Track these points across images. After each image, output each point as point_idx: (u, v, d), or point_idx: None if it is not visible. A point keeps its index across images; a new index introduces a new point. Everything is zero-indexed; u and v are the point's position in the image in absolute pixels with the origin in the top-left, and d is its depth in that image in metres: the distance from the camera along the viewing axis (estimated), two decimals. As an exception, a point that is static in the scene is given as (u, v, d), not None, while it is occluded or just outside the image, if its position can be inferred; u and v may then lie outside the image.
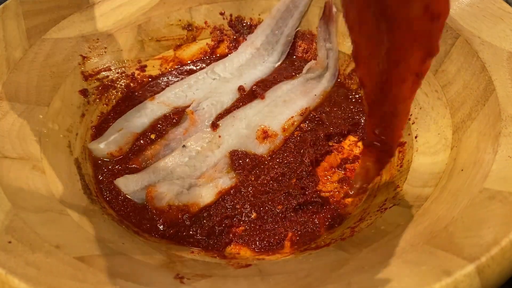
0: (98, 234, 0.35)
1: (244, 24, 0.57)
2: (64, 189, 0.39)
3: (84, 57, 0.50)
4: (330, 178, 0.45)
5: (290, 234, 0.41)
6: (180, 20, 0.55)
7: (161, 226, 0.41)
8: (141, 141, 0.47)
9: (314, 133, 0.47)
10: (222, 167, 0.45)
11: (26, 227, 0.32)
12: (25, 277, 0.27)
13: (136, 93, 0.52)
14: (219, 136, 0.47)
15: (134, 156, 0.46)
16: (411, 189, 0.39)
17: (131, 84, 0.53)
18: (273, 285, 0.31)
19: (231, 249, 0.40)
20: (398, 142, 0.34)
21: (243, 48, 0.56)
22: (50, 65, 0.46)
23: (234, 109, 0.50)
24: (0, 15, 0.45)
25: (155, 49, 0.54)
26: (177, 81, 0.54)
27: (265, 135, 0.47)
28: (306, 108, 0.50)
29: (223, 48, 0.57)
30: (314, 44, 0.55)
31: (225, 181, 0.44)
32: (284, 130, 0.48)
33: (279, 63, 0.56)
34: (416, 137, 0.44)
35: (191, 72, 0.55)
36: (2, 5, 0.45)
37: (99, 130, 0.48)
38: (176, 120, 0.49)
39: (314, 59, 0.55)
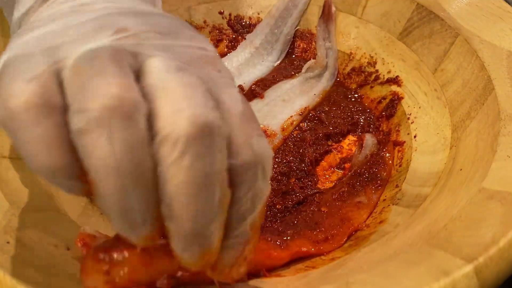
0: (97, 234, 0.35)
1: (243, 23, 0.57)
2: (63, 189, 0.39)
3: (83, 57, 0.50)
4: (329, 177, 0.45)
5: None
6: (179, 19, 0.55)
7: None
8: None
9: (313, 132, 0.47)
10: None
11: (24, 227, 0.32)
12: (23, 277, 0.27)
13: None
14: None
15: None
16: (410, 188, 0.39)
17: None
18: (271, 285, 0.31)
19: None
20: None
21: (242, 47, 0.56)
22: (49, 65, 0.46)
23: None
24: (0, 14, 0.45)
25: (154, 49, 0.54)
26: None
27: (264, 134, 0.47)
28: (305, 107, 0.50)
29: (222, 48, 0.57)
30: (313, 43, 0.55)
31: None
32: (283, 129, 0.48)
33: (278, 62, 0.56)
34: (415, 137, 0.44)
35: (190, 71, 0.55)
36: (0, 5, 0.45)
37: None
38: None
39: (313, 58, 0.55)
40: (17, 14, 0.28)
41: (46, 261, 0.30)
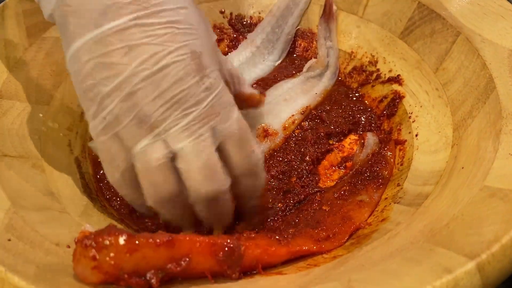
0: (98, 232, 0.34)
1: (244, 23, 0.57)
2: (64, 188, 0.39)
3: (84, 56, 0.50)
4: (330, 176, 0.45)
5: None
6: (180, 19, 0.55)
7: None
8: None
9: (314, 131, 0.47)
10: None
11: (25, 225, 0.32)
12: (24, 275, 0.27)
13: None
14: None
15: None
16: (411, 187, 0.39)
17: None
18: (273, 283, 0.31)
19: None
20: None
21: (243, 46, 0.56)
22: (50, 64, 0.46)
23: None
24: (0, 14, 0.45)
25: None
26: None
27: (265, 133, 0.47)
28: (306, 106, 0.50)
29: (223, 47, 0.57)
30: (315, 42, 0.55)
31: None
32: (284, 128, 0.48)
33: (279, 61, 0.56)
34: (416, 136, 0.44)
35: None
36: (2, 4, 0.45)
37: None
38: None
39: (314, 58, 0.55)
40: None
41: (48, 259, 0.30)
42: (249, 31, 0.56)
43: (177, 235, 0.29)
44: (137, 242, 0.28)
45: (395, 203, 0.39)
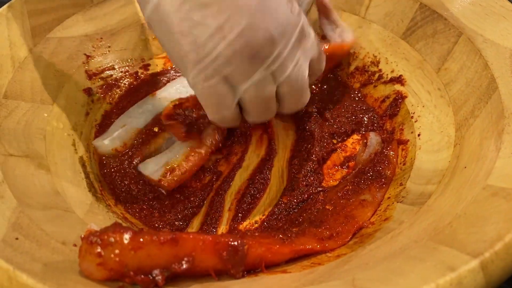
0: (104, 231, 0.35)
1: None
2: (69, 187, 0.40)
3: (88, 56, 0.50)
4: (333, 175, 0.45)
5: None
6: (183, 19, 0.55)
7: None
8: (144, 136, 0.48)
9: (319, 130, 0.47)
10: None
11: (32, 224, 0.32)
12: (32, 273, 0.27)
13: (138, 90, 0.52)
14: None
15: (138, 150, 0.46)
16: (414, 186, 0.39)
17: (135, 83, 0.53)
18: (277, 281, 0.31)
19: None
20: None
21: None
22: (55, 64, 0.47)
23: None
24: (5, 15, 0.45)
25: (158, 48, 0.55)
26: (178, 76, 0.54)
27: None
28: None
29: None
30: (317, 43, 0.55)
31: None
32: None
33: (281, 62, 0.56)
34: (419, 135, 0.44)
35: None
36: (6, 5, 0.45)
37: (103, 128, 0.48)
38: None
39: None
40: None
41: (54, 258, 0.31)
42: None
43: (181, 233, 0.30)
44: (141, 239, 0.28)
45: (398, 202, 0.39)
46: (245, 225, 0.42)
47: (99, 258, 0.28)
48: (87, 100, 0.49)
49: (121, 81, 0.52)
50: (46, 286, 0.27)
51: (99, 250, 0.28)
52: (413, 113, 0.46)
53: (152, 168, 0.44)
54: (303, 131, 0.47)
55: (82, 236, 0.29)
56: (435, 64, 0.45)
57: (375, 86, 0.51)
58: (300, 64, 0.36)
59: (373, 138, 0.45)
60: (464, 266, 0.26)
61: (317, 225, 0.38)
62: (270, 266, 0.33)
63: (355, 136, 0.48)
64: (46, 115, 0.43)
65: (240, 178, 0.45)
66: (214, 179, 0.45)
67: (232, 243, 0.31)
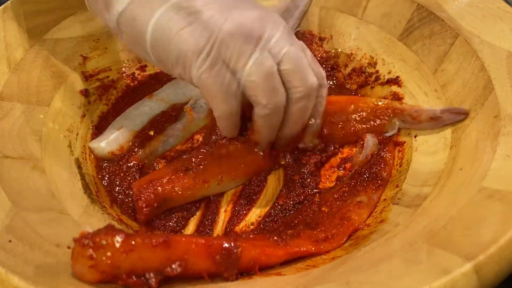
0: (98, 233, 0.35)
1: (244, 24, 0.57)
2: (65, 189, 0.40)
3: (84, 58, 0.50)
4: (329, 177, 0.45)
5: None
6: (180, 20, 0.55)
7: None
8: (140, 139, 0.48)
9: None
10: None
11: (26, 226, 0.32)
12: (24, 276, 0.27)
13: (135, 91, 0.52)
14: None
15: (134, 153, 0.46)
16: (410, 188, 0.39)
17: (131, 84, 0.53)
18: (272, 283, 0.31)
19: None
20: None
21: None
22: (51, 65, 0.47)
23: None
24: (1, 16, 0.45)
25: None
26: (175, 78, 0.54)
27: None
28: None
29: (223, 48, 0.57)
30: (314, 44, 0.55)
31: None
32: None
33: (279, 63, 0.56)
34: (415, 137, 0.44)
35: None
36: (2, 6, 0.45)
37: (99, 130, 0.48)
38: (174, 115, 0.50)
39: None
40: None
41: (47, 260, 0.30)
42: (249, 33, 0.57)
43: (173, 236, 0.30)
44: (133, 242, 0.28)
45: (394, 204, 0.39)
46: (241, 227, 0.42)
47: (91, 261, 0.28)
48: (83, 101, 0.49)
49: (118, 82, 0.52)
50: (38, 289, 0.27)
51: (91, 252, 0.28)
52: (410, 114, 0.46)
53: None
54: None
55: (75, 238, 0.29)
56: (432, 65, 0.45)
57: (372, 88, 0.51)
58: (296, 43, 0.37)
59: (370, 140, 0.45)
60: (458, 269, 0.26)
61: (313, 227, 0.38)
62: (265, 268, 0.33)
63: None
64: (42, 116, 0.43)
65: (236, 180, 0.45)
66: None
67: (225, 246, 0.31)
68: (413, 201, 0.37)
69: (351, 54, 0.53)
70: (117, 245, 0.28)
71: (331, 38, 0.54)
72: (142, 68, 0.54)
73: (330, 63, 0.54)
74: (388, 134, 0.46)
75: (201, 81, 0.36)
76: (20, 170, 0.38)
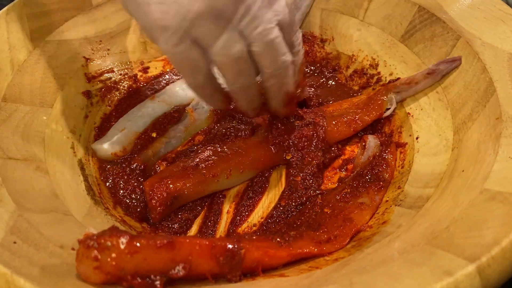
0: (102, 235, 0.35)
1: (246, 26, 0.57)
2: (68, 190, 0.40)
3: (87, 59, 0.50)
4: (331, 178, 0.45)
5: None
6: (182, 22, 0.55)
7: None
8: (142, 140, 0.48)
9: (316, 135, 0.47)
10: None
11: (30, 228, 0.33)
12: (29, 277, 0.28)
13: (138, 93, 0.52)
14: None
15: (136, 155, 0.46)
16: (412, 189, 0.39)
17: (134, 86, 0.53)
18: (275, 285, 0.31)
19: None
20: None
21: (244, 49, 0.56)
22: (54, 67, 0.47)
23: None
24: (4, 17, 0.45)
25: (157, 51, 0.55)
26: (177, 79, 0.54)
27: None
28: None
29: (225, 50, 0.57)
30: (316, 46, 0.56)
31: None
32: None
33: (280, 64, 0.56)
34: (417, 138, 0.44)
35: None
36: (6, 8, 0.45)
37: (102, 131, 0.48)
38: (176, 117, 0.50)
39: (314, 60, 0.55)
40: None
41: (52, 261, 0.31)
42: (251, 34, 0.57)
43: (177, 237, 0.30)
44: (137, 244, 0.28)
45: (396, 205, 0.39)
46: (243, 228, 0.42)
47: (96, 262, 0.28)
48: (86, 102, 0.49)
49: (120, 83, 0.52)
50: (43, 290, 0.27)
51: (96, 254, 0.28)
52: (412, 116, 0.46)
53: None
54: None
55: (79, 239, 0.29)
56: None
57: (373, 89, 0.51)
58: (271, 24, 0.35)
59: (372, 141, 0.45)
60: (460, 271, 0.26)
61: (315, 228, 0.38)
62: (268, 269, 0.33)
63: (354, 139, 0.48)
64: (45, 118, 0.43)
65: (238, 181, 0.45)
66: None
67: (229, 247, 0.31)
68: (415, 202, 0.37)
69: (353, 55, 0.53)
70: (122, 246, 0.28)
71: (333, 39, 0.54)
72: (145, 70, 0.54)
73: (332, 65, 0.54)
74: (388, 112, 0.47)
75: (167, 54, 0.35)
76: (23, 171, 0.38)
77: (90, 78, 0.50)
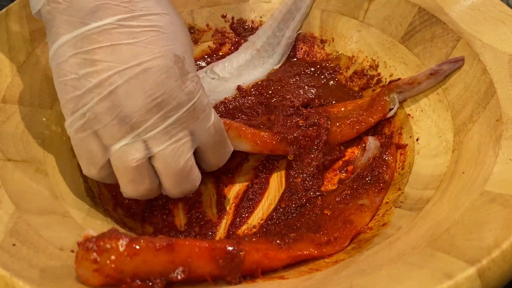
0: (101, 237, 0.35)
1: (246, 27, 0.57)
2: (67, 192, 0.40)
3: (87, 60, 0.50)
4: (331, 180, 0.45)
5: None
6: (182, 23, 0.55)
7: None
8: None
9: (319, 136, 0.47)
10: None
11: (30, 230, 0.32)
12: (29, 279, 0.28)
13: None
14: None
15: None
16: (412, 191, 0.39)
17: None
18: (275, 287, 0.31)
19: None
20: None
21: (243, 48, 0.56)
22: (53, 68, 0.47)
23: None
24: (4, 19, 0.45)
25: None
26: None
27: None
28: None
29: (225, 51, 0.57)
30: (316, 47, 0.56)
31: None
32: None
33: (279, 65, 0.56)
34: (417, 140, 0.44)
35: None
36: (5, 9, 0.45)
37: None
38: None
39: (313, 60, 0.55)
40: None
41: (51, 264, 0.31)
42: (251, 35, 0.57)
43: (177, 240, 0.30)
44: (137, 246, 0.28)
45: (396, 207, 0.39)
46: (243, 229, 0.42)
47: (95, 264, 0.28)
48: (85, 104, 0.49)
49: (120, 84, 0.52)
50: (42, 293, 0.27)
51: (95, 256, 0.28)
52: (412, 117, 0.46)
53: None
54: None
55: (79, 242, 0.29)
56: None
57: (373, 90, 0.51)
58: (182, 143, 0.34)
59: (372, 143, 0.45)
60: (461, 274, 0.26)
61: (315, 230, 0.38)
62: (268, 271, 0.33)
63: (354, 140, 0.48)
64: (44, 119, 0.43)
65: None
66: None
67: (229, 249, 0.31)
68: (415, 204, 0.37)
69: (353, 56, 0.53)
70: (121, 249, 0.28)
71: (333, 40, 0.54)
72: (144, 70, 0.54)
73: (332, 66, 0.54)
74: (392, 112, 0.46)
75: (70, 136, 0.35)
76: (23, 173, 0.38)
77: (89, 79, 0.50)
